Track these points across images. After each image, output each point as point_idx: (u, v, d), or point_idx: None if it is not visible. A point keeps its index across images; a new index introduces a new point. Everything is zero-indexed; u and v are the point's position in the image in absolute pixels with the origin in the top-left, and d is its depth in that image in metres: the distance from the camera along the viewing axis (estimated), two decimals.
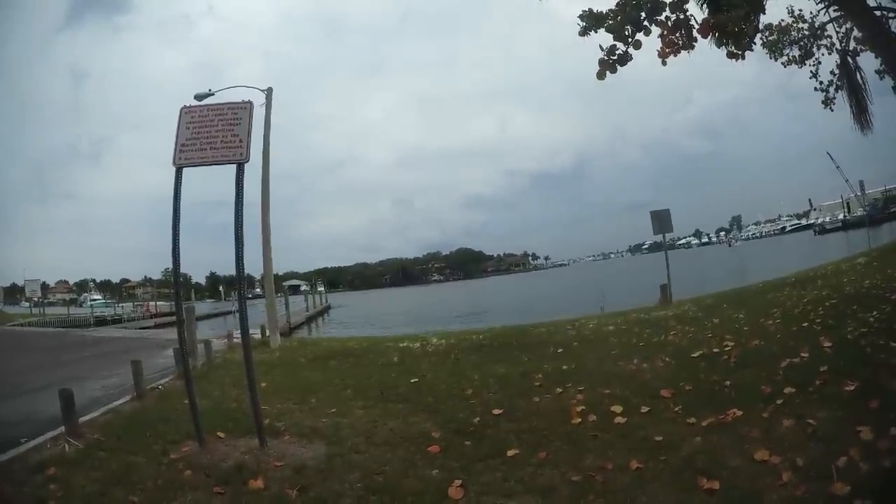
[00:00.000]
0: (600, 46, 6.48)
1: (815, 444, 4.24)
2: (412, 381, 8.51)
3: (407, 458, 5.20)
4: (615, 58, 6.49)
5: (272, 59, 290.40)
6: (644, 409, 5.70)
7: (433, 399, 7.30)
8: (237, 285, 6.48)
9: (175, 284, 6.78)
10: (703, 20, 6.89)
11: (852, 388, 5.09)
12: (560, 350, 9.64)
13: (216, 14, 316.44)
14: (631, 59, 6.52)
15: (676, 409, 5.58)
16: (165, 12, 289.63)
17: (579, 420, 5.68)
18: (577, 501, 3.99)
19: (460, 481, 4.51)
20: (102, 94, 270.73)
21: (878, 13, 9.06)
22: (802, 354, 6.50)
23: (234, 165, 5.99)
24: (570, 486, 4.23)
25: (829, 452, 3.97)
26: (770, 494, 3.67)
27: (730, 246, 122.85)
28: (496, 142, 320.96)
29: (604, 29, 6.50)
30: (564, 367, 8.19)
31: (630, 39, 6.49)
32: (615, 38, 6.48)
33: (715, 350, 7.73)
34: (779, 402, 5.19)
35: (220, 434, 6.25)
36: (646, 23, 6.59)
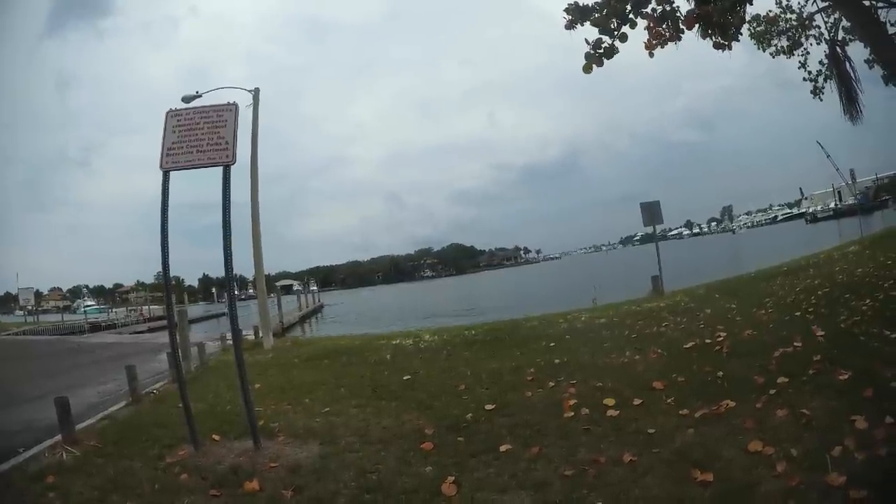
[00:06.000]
0: (586, 40, 6.48)
1: (810, 434, 4.22)
2: (405, 378, 8.50)
3: (400, 456, 5.19)
4: (601, 51, 6.49)
5: (258, 60, 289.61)
6: (637, 402, 5.69)
7: (426, 396, 7.29)
8: (227, 287, 6.47)
9: (165, 288, 6.74)
10: (688, 12, 6.90)
11: (846, 376, 5.09)
12: (552, 344, 9.65)
13: (199, 15, 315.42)
14: (617, 52, 6.52)
15: (669, 400, 5.58)
16: (149, 15, 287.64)
17: (572, 414, 5.68)
18: (570, 496, 3.98)
19: (453, 478, 4.50)
20: (90, 100, 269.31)
21: (866, 2, 9.06)
22: (795, 344, 6.52)
23: (221, 168, 5.98)
24: (563, 481, 4.22)
25: (824, 442, 3.94)
26: (764, 486, 3.65)
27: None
28: (485, 136, 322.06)
29: (589, 22, 6.49)
30: (557, 360, 8.20)
31: (616, 32, 6.49)
32: (600, 32, 6.47)
33: (707, 341, 7.76)
34: (772, 392, 5.19)
35: (215, 437, 6.26)
36: (631, 15, 6.59)
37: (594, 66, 6.51)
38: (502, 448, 5.02)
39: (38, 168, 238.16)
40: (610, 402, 5.78)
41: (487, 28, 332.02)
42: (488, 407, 6.31)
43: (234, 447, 5.93)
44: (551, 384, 6.97)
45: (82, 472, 5.54)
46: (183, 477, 5.14)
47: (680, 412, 5.21)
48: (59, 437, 6.72)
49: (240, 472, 5.13)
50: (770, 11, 12.13)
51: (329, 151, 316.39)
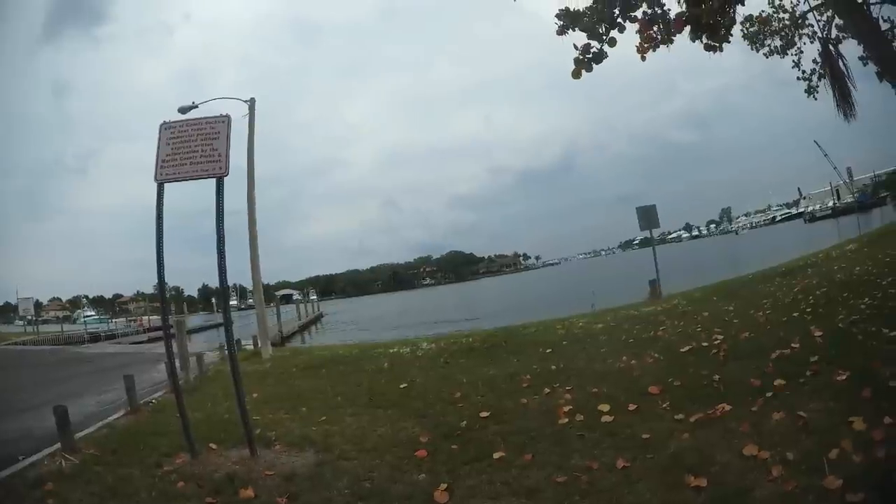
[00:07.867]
0: (574, 46, 6.47)
1: (806, 437, 4.18)
2: (401, 386, 8.51)
3: (395, 464, 5.21)
4: (590, 56, 6.48)
5: (252, 65, 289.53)
6: (632, 407, 5.67)
7: (422, 404, 7.29)
8: (222, 298, 6.50)
9: (161, 298, 6.76)
10: (678, 14, 6.88)
11: (844, 377, 5.05)
12: (549, 350, 9.65)
13: (194, 22, 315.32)
14: (606, 56, 6.51)
15: (664, 405, 5.56)
16: (143, 21, 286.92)
17: (566, 420, 5.66)
18: (563, 502, 3.97)
19: (446, 485, 4.51)
20: (86, 107, 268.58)
21: (858, 0, 9.05)
22: (793, 345, 6.50)
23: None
24: (556, 487, 4.21)
25: (821, 445, 3.90)
26: (759, 490, 3.61)
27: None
28: (481, 139, 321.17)
29: (578, 27, 6.49)
30: (553, 367, 8.19)
31: (604, 37, 6.48)
32: (589, 37, 6.47)
33: (704, 344, 7.74)
34: (769, 394, 5.17)
35: (212, 445, 6.29)
36: (620, 19, 6.59)
37: (583, 71, 6.50)
38: (496, 455, 5.02)
39: (35, 176, 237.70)
40: (605, 407, 5.77)
41: (479, 29, 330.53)
42: (483, 414, 6.29)
43: (231, 455, 5.95)
44: (547, 390, 6.95)
45: (81, 480, 5.58)
46: (179, 485, 5.19)
47: (675, 417, 5.19)
48: (58, 446, 6.72)
49: (235, 480, 5.16)
50: (763, 12, 12.12)
51: (323, 154, 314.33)
